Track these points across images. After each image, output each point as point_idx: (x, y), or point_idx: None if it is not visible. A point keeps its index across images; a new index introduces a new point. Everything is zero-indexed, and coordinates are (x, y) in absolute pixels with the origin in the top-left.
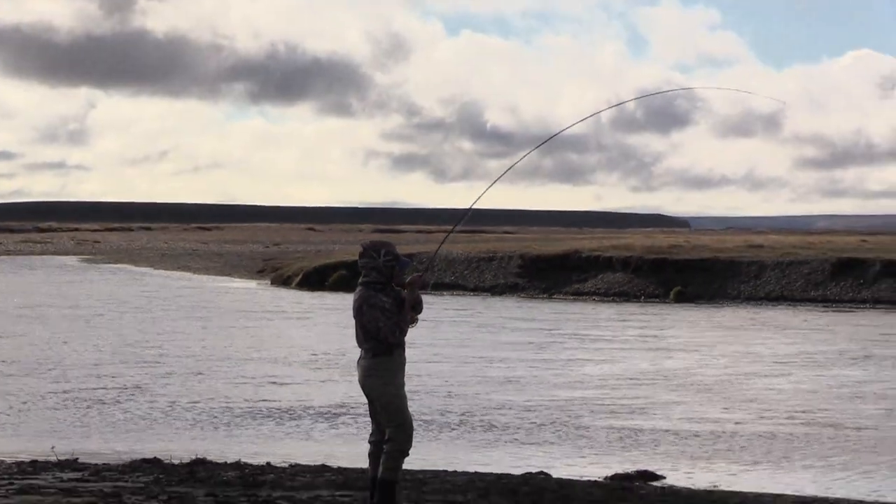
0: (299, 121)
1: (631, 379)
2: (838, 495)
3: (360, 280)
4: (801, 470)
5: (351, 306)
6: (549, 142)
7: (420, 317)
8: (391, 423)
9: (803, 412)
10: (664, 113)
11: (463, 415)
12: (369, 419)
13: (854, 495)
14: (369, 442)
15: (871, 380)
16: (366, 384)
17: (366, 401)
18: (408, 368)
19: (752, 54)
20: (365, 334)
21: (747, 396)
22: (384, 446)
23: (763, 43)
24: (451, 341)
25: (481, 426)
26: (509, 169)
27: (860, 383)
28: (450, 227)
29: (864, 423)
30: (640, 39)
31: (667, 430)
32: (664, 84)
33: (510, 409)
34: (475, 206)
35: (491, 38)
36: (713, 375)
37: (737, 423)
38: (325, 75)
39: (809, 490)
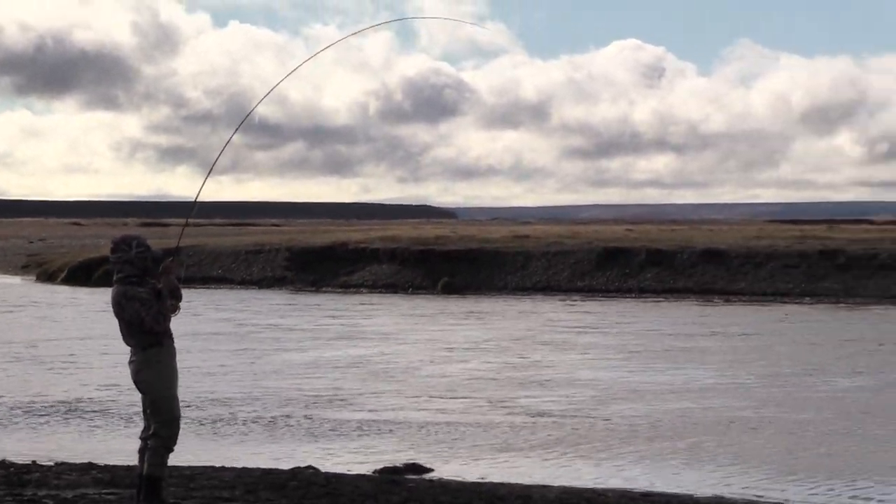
0: (65, 113)
1: (322, 367)
2: (603, 486)
3: (114, 277)
4: (554, 459)
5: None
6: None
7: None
8: (158, 418)
9: (504, 400)
10: (432, 104)
11: (192, 408)
12: (140, 415)
13: (619, 485)
14: (140, 438)
15: (534, 365)
16: (138, 380)
17: (130, 399)
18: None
19: (520, 45)
20: (129, 330)
21: (446, 385)
22: (148, 442)
23: (530, 33)
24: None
25: (216, 421)
26: (218, 157)
27: (530, 369)
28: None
29: (569, 409)
30: (409, 31)
31: (410, 422)
32: (433, 75)
33: (230, 402)
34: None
35: (259, 29)
36: (411, 363)
37: (461, 412)
38: (93, 67)
39: (565, 480)
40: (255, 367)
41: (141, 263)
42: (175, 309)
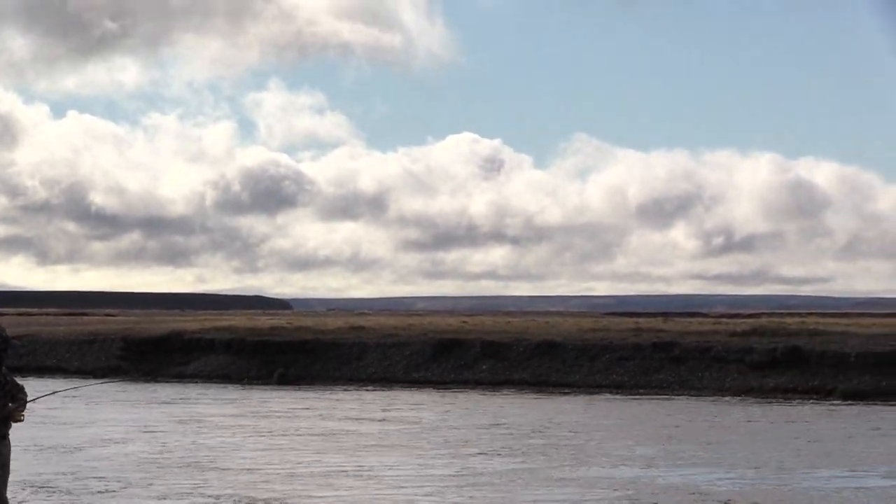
0: None
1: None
2: None
3: None
4: None
5: None
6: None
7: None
8: None
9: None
10: (271, 194)
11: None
12: None
13: None
14: None
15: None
16: None
17: None
18: None
19: (359, 136)
20: None
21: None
22: None
23: (369, 125)
24: None
25: None
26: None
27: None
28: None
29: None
30: (248, 122)
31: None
32: (271, 165)
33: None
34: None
35: (98, 119)
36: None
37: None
38: None
39: None
40: None
41: None
42: (18, 418)
